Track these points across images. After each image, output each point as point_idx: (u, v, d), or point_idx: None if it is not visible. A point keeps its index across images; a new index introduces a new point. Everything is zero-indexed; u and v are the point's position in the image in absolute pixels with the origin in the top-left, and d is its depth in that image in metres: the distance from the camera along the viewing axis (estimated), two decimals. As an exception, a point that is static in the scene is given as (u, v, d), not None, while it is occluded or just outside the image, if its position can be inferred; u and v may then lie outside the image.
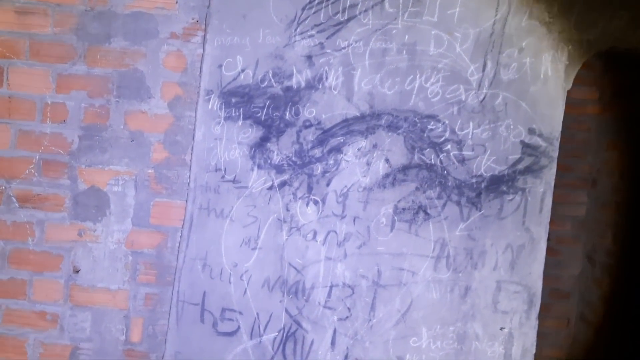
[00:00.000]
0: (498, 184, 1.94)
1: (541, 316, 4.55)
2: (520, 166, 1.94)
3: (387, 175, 1.95)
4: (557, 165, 4.38)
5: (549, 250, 4.31)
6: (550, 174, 1.94)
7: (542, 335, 4.31)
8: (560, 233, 4.27)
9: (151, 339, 1.99)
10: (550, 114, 1.93)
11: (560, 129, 1.94)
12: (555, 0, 1.90)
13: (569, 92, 4.52)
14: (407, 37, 1.93)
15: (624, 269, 3.88)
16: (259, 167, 1.95)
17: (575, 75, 4.43)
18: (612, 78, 3.98)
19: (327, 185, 1.95)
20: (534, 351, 1.95)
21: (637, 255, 3.85)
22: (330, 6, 1.93)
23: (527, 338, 1.95)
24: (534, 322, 1.95)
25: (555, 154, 1.94)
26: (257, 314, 1.95)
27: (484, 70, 1.92)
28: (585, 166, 4.23)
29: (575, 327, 4.23)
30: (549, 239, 4.41)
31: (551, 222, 4.37)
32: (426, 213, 1.95)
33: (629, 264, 3.86)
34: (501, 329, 1.95)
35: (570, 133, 4.22)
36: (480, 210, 1.95)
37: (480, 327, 1.95)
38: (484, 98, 1.93)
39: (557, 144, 1.94)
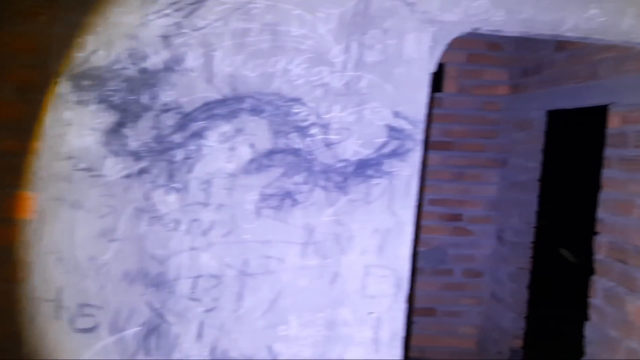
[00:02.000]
0: (364, 168, 1.91)
1: (457, 295, 4.64)
2: (386, 150, 1.91)
3: (252, 161, 1.89)
4: (470, 145, 4.43)
5: (463, 230, 4.39)
6: (415, 157, 1.92)
7: (457, 314, 4.40)
8: (473, 213, 4.34)
9: (4, 339, 1.88)
10: (415, 97, 1.91)
11: (425, 111, 1.92)
12: (418, -21, 1.86)
13: (481, 73, 4.56)
14: (269, 16, 1.85)
15: (528, 247, 3.97)
16: (115, 154, 1.85)
17: (487, 57, 4.45)
18: (521, 59, 4.04)
19: (189, 172, 1.87)
20: (402, 334, 1.95)
21: (539, 234, 3.96)
22: (186, -17, 1.83)
23: (395, 322, 1.94)
24: (402, 305, 1.95)
25: (420, 137, 1.92)
26: (117, 308, 1.87)
27: (348, 51, 1.88)
28: (496, 146, 4.31)
29: (487, 304, 4.34)
30: (462, 219, 4.48)
31: (465, 203, 4.45)
32: (293, 199, 1.90)
33: (533, 243, 3.96)
34: (370, 313, 1.93)
35: (482, 114, 4.28)
36: (347, 195, 1.91)
37: (349, 312, 1.93)
38: (349, 80, 1.88)
39: (422, 126, 1.92)
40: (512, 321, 3.94)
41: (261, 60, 1.86)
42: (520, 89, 4.00)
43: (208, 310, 1.89)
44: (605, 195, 2.90)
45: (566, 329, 3.00)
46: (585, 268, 3.09)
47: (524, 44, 3.89)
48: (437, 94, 4.14)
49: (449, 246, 4.28)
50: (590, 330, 2.94)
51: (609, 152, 2.89)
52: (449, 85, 4.14)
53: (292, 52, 1.86)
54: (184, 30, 1.84)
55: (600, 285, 2.89)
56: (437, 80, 4.15)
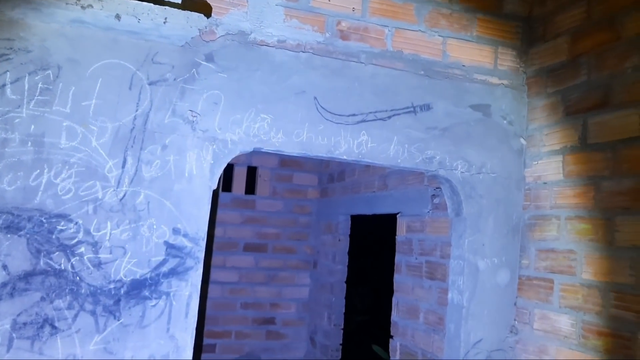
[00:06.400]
0: (140, 289, 1.78)
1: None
2: (165, 268, 1.82)
3: (4, 285, 1.66)
4: (282, 247, 4.48)
5: (277, 334, 4.34)
6: (196, 276, 1.84)
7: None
8: (286, 316, 4.33)
9: None
10: (196, 214, 1.87)
11: (206, 228, 1.88)
12: (199, 100, 1.89)
13: (292, 177, 4.70)
14: (33, 127, 1.72)
15: (337, 349, 4.03)
16: None
17: (298, 162, 4.63)
18: (328, 165, 4.28)
19: None
20: None
21: (346, 337, 4.06)
22: None
23: None
24: None
25: (202, 255, 1.86)
26: None
27: (123, 166, 1.80)
28: (308, 248, 4.42)
29: (302, 410, 4.24)
30: (275, 323, 4.43)
31: (277, 306, 4.42)
32: (53, 327, 1.69)
33: (342, 344, 4.02)
34: None
35: (294, 216, 4.40)
36: (119, 320, 1.75)
37: None
38: (124, 196, 1.79)
39: (203, 244, 1.87)
40: None
41: (21, 173, 1.69)
42: (328, 193, 4.22)
43: None
44: (397, 299, 3.09)
45: None
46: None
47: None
48: (250, 197, 4.20)
49: (262, 351, 4.18)
50: None
51: (398, 257, 3.12)
52: (261, 188, 4.23)
53: (60, 165, 1.73)
54: None
55: (396, 388, 2.98)
56: (250, 183, 4.23)
